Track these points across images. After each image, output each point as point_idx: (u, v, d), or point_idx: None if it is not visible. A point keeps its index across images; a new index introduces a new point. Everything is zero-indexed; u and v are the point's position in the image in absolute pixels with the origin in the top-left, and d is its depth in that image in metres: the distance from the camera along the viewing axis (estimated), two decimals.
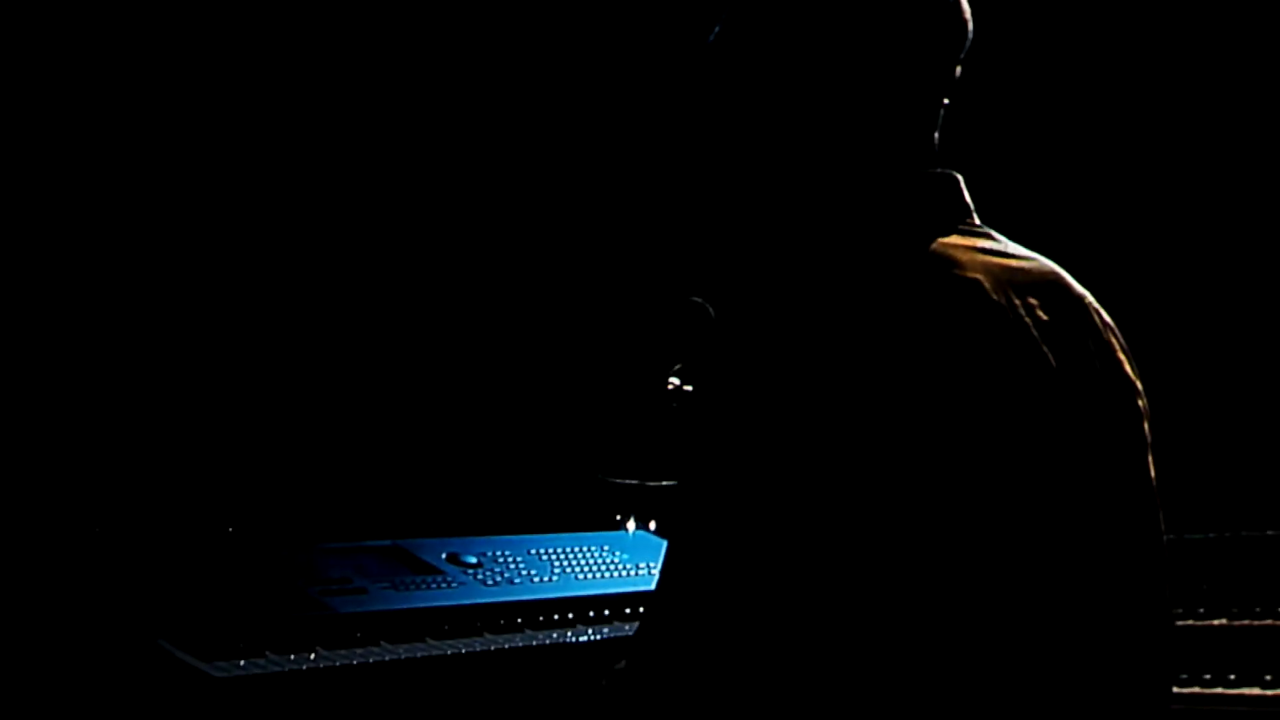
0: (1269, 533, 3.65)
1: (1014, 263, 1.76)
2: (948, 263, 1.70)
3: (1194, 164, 4.25)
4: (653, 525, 3.83)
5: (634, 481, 3.73)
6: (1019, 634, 1.61)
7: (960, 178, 1.83)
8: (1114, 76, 4.34)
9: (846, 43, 1.79)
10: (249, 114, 3.75)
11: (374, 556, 3.18)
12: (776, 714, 1.61)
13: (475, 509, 3.76)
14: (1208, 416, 3.96)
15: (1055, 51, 4.38)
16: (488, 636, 3.01)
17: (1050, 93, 4.40)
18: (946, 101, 1.88)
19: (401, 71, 4.09)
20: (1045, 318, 1.72)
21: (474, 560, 3.29)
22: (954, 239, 1.74)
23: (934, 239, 1.73)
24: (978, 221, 1.82)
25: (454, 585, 3.14)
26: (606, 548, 3.59)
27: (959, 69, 1.87)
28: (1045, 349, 1.69)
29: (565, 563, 3.42)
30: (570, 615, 3.19)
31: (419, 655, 2.82)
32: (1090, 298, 1.83)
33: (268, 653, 2.65)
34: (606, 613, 3.26)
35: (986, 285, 1.69)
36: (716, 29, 1.91)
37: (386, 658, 2.76)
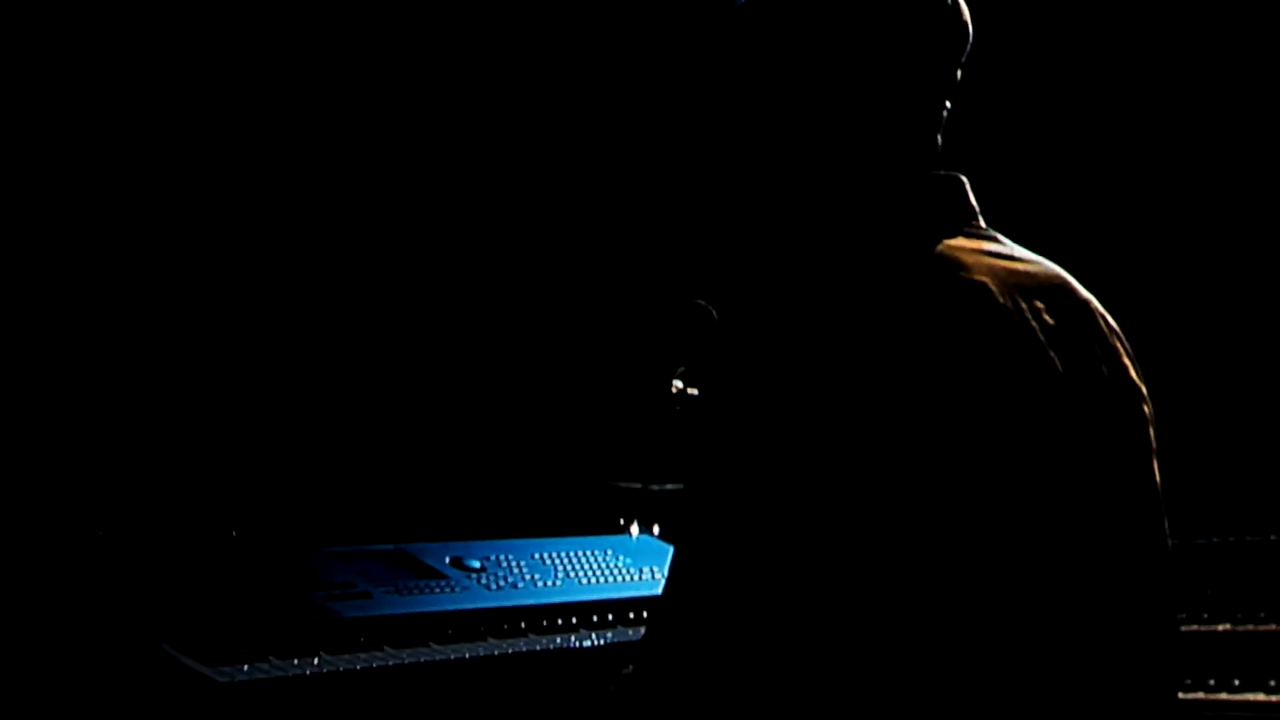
0: (1273, 537, 3.64)
1: (1020, 266, 1.76)
2: (954, 265, 1.70)
3: (1197, 168, 4.25)
4: (656, 529, 3.83)
5: (638, 485, 3.72)
6: (1025, 639, 1.61)
7: (965, 180, 1.83)
8: (1117, 79, 4.34)
9: (849, 47, 1.80)
10: (250, 116, 3.75)
11: (377, 560, 3.17)
12: (785, 718, 1.60)
13: (479, 513, 3.76)
14: (1211, 421, 3.96)
15: (1059, 54, 4.38)
16: (491, 641, 3.01)
17: (1054, 96, 4.39)
18: (949, 105, 1.88)
19: (402, 71, 4.08)
20: (1051, 322, 1.72)
21: (477, 564, 3.29)
22: (959, 241, 1.74)
23: (940, 241, 1.73)
24: (983, 224, 1.82)
25: (457, 590, 3.13)
26: (610, 552, 3.58)
27: (960, 72, 1.88)
28: (1051, 353, 1.69)
29: (569, 567, 3.41)
30: (574, 620, 3.19)
31: (422, 660, 2.82)
32: (1096, 302, 1.83)
33: (271, 657, 2.65)
34: (610, 617, 3.26)
35: (993, 288, 1.69)
36: (720, 32, 1.91)
37: (390, 662, 2.76)
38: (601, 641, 3.12)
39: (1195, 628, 3.55)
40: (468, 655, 2.89)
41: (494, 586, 3.21)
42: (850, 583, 1.59)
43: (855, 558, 1.59)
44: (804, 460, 1.60)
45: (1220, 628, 3.53)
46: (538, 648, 3.02)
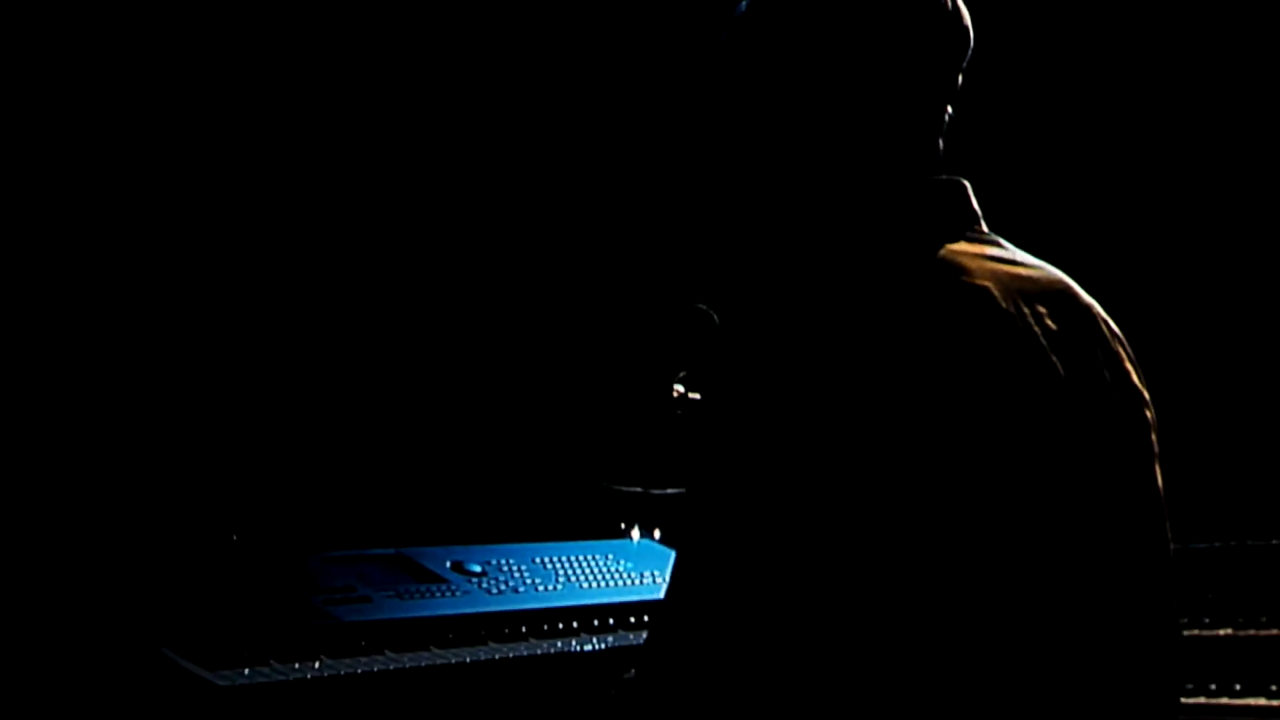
0: (1274, 542, 3.64)
1: (1022, 271, 1.76)
2: (956, 270, 1.70)
3: (1197, 172, 4.25)
4: (657, 534, 3.83)
5: (638, 489, 3.72)
6: (1027, 644, 1.61)
7: (968, 184, 1.83)
8: (1120, 84, 4.34)
9: (850, 54, 1.80)
10: (250, 117, 3.75)
11: (378, 565, 3.18)
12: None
13: (479, 517, 3.76)
14: (1213, 426, 3.96)
15: (1063, 58, 4.38)
16: (492, 645, 3.00)
17: (1057, 101, 4.39)
18: (951, 110, 1.88)
19: (402, 76, 4.09)
20: (1054, 326, 1.72)
21: (478, 569, 3.29)
22: (962, 246, 1.74)
23: (942, 246, 1.73)
24: (986, 229, 1.82)
25: (458, 594, 3.13)
26: (611, 556, 3.58)
27: (961, 77, 1.88)
28: (1053, 358, 1.69)
29: (569, 571, 3.41)
30: (575, 624, 3.19)
31: (423, 664, 2.82)
32: (1098, 307, 1.83)
33: (272, 661, 2.65)
34: (611, 621, 3.25)
35: (995, 293, 1.69)
36: (722, 38, 1.91)
37: (391, 666, 2.76)
38: (602, 646, 3.11)
39: (1197, 632, 3.54)
40: (468, 659, 2.89)
41: (495, 591, 3.21)
42: (853, 588, 1.59)
43: (858, 563, 1.59)
44: (806, 465, 1.59)
45: (1222, 632, 3.53)
46: (539, 652, 3.02)
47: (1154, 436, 1.80)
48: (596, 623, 3.23)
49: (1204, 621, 3.57)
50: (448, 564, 3.27)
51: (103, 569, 2.76)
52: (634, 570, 3.52)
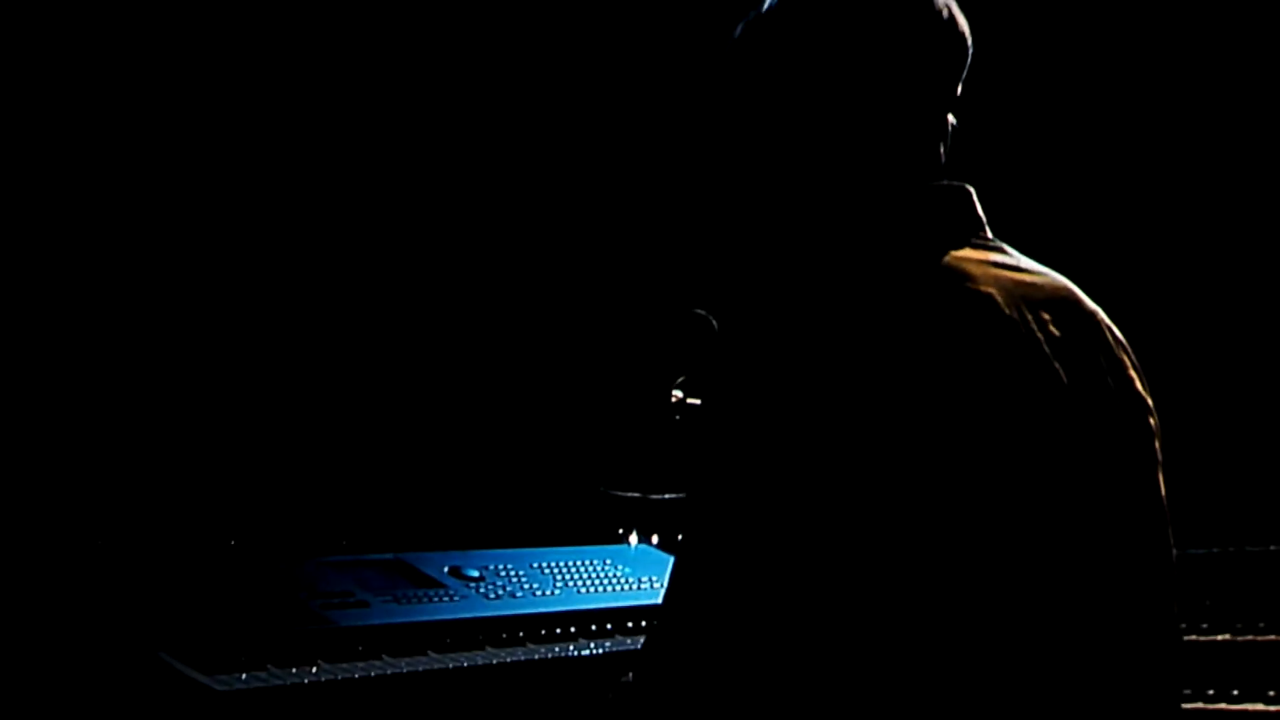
0: (1272, 548, 3.64)
1: (1027, 277, 1.76)
2: (960, 276, 1.70)
3: (1199, 181, 4.25)
4: (655, 539, 3.82)
5: (636, 495, 3.72)
6: (1028, 650, 1.61)
7: (972, 190, 1.84)
8: (1125, 91, 4.34)
9: (851, 63, 1.81)
10: (251, 120, 3.75)
11: (375, 570, 3.17)
12: None
13: (477, 522, 3.76)
14: (1211, 431, 3.96)
15: (1068, 66, 4.38)
16: (489, 650, 3.00)
17: (1061, 107, 4.40)
18: (953, 120, 1.89)
19: (403, 78, 4.09)
20: (1057, 333, 1.72)
21: (476, 574, 3.28)
22: (966, 252, 1.74)
23: (946, 252, 1.73)
24: (990, 235, 1.82)
25: (456, 599, 3.13)
26: (609, 561, 3.58)
27: (960, 86, 1.89)
28: (1057, 365, 1.69)
29: (567, 576, 3.41)
30: (572, 629, 3.18)
31: (421, 669, 2.82)
32: (1102, 314, 1.83)
33: (269, 666, 2.64)
34: (609, 626, 3.25)
35: (999, 300, 1.69)
36: (727, 50, 1.92)
37: (388, 671, 2.75)
38: (600, 651, 3.11)
39: (1195, 638, 3.54)
40: (466, 664, 2.88)
41: (492, 596, 3.20)
42: (854, 593, 1.59)
43: (860, 568, 1.59)
44: (808, 471, 1.59)
45: (1220, 637, 3.53)
46: (536, 657, 3.01)
47: (1157, 444, 1.80)
48: (594, 628, 3.23)
49: (1202, 627, 3.57)
50: (445, 569, 3.27)
51: (100, 573, 2.76)
52: (632, 575, 3.52)
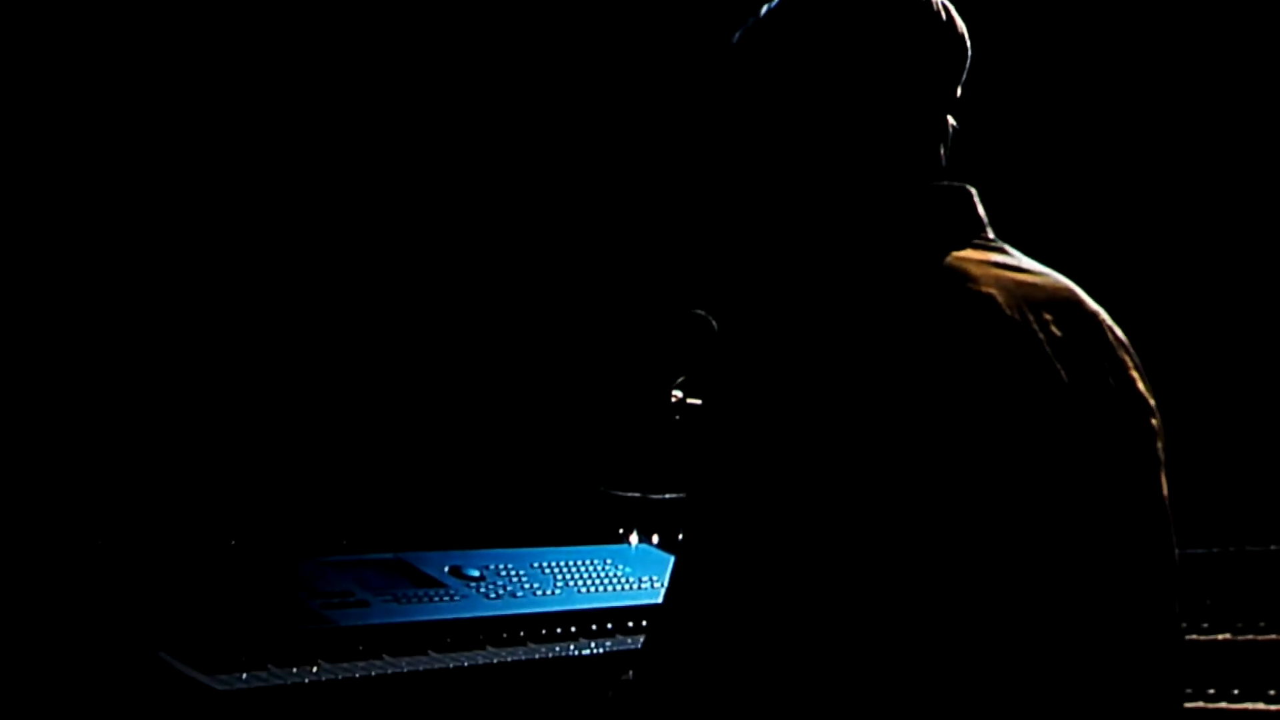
0: (1273, 547, 3.64)
1: (1028, 278, 1.76)
2: (961, 277, 1.69)
3: (1198, 180, 4.25)
4: (655, 538, 3.82)
5: (637, 494, 3.72)
6: (1030, 651, 1.61)
7: (974, 191, 1.84)
8: (1126, 90, 4.34)
9: (850, 65, 1.82)
10: (251, 120, 3.75)
11: (376, 569, 3.17)
12: None
13: (477, 522, 3.76)
14: (1211, 431, 3.96)
15: (1068, 65, 4.38)
16: (490, 650, 3.00)
17: (1063, 107, 4.40)
18: (954, 122, 1.89)
19: (403, 78, 4.09)
20: (1059, 334, 1.72)
21: (476, 573, 3.28)
22: (968, 253, 1.74)
23: (948, 252, 1.73)
24: (992, 235, 1.82)
25: (456, 598, 3.13)
26: (609, 561, 3.58)
27: (960, 89, 1.89)
28: (1058, 365, 1.69)
29: (567, 576, 3.41)
30: (573, 628, 3.18)
31: (421, 668, 2.82)
32: (1105, 314, 1.83)
33: (269, 666, 2.64)
34: (609, 626, 3.25)
35: (1000, 300, 1.69)
36: (728, 53, 1.93)
37: (388, 671, 2.75)
38: (600, 650, 3.11)
39: (1195, 637, 3.54)
40: (466, 664, 2.88)
41: (493, 595, 3.20)
42: (855, 594, 1.59)
43: (860, 569, 1.59)
44: (809, 471, 1.59)
45: (1220, 637, 3.53)
46: (536, 656, 3.01)
47: (1159, 445, 1.80)
48: (594, 627, 3.23)
49: (1203, 626, 3.57)
50: (446, 568, 3.27)
51: (101, 573, 2.76)
52: (632, 575, 3.52)
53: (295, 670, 2.65)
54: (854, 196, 1.80)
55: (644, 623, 3.26)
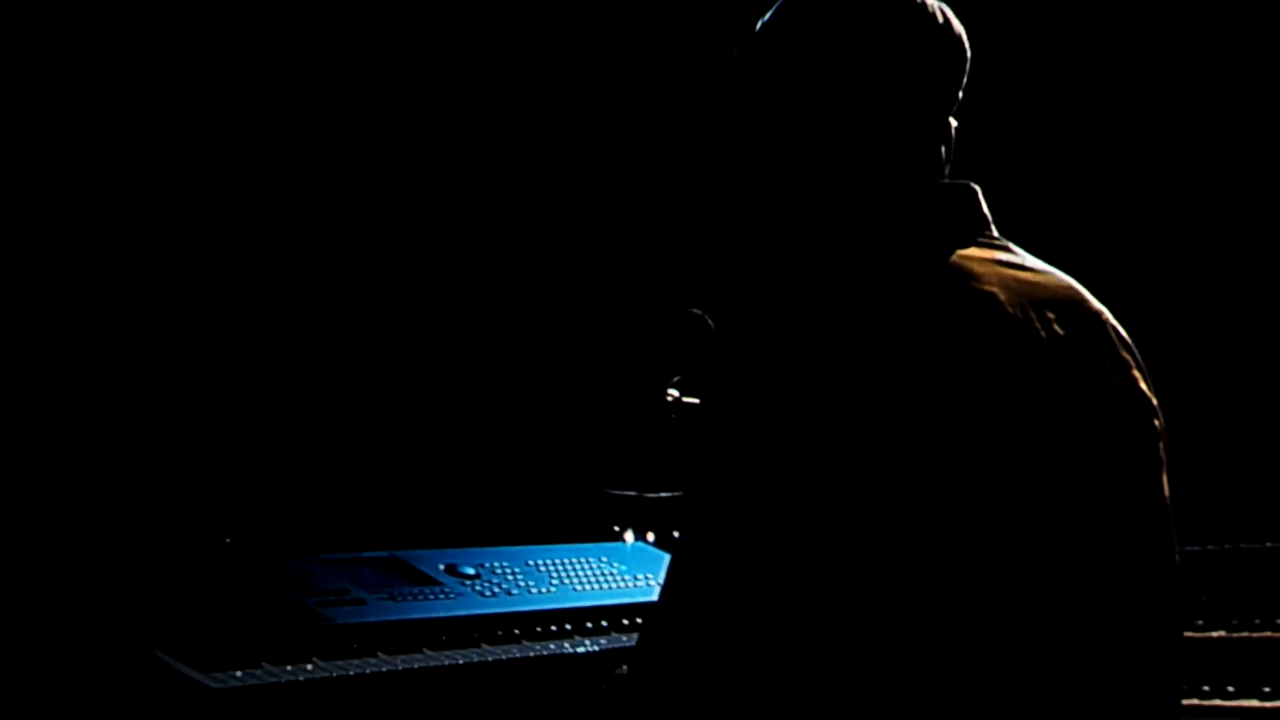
0: (1268, 545, 3.64)
1: (1032, 276, 1.76)
2: (964, 275, 1.69)
3: (1199, 180, 4.25)
4: (651, 537, 3.82)
5: (632, 493, 3.72)
6: (1028, 650, 1.60)
7: (978, 189, 1.84)
8: (1130, 89, 4.34)
9: (850, 70, 1.83)
10: (247, 116, 3.75)
11: (371, 567, 3.17)
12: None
13: (473, 520, 3.75)
14: (1206, 429, 3.96)
15: (1073, 64, 4.38)
16: (485, 648, 3.00)
17: (1067, 106, 4.40)
18: (955, 123, 1.89)
19: (402, 76, 4.09)
20: (1061, 333, 1.71)
21: (472, 571, 3.28)
22: (972, 251, 1.74)
23: (952, 250, 1.73)
24: (996, 233, 1.82)
25: (451, 596, 3.13)
26: (604, 559, 3.58)
27: (960, 91, 1.90)
28: (1060, 364, 1.68)
29: (563, 574, 3.41)
30: (568, 626, 3.18)
31: (416, 666, 2.82)
32: (1108, 314, 1.83)
33: (265, 664, 2.64)
34: (604, 624, 3.25)
35: (1003, 299, 1.68)
36: (735, 52, 1.94)
37: (384, 669, 2.75)
38: (596, 648, 3.11)
39: (1190, 634, 3.55)
40: (461, 661, 2.88)
41: (488, 593, 3.20)
42: (853, 593, 1.59)
43: (858, 568, 1.59)
44: (807, 469, 1.59)
45: (1215, 634, 3.53)
46: (531, 654, 3.01)
47: (1162, 445, 1.80)
48: (590, 625, 3.23)
49: (1198, 624, 3.57)
50: (441, 566, 3.27)
51: (95, 570, 2.76)
52: (628, 573, 3.52)
53: (290, 668, 2.65)
54: (856, 197, 1.81)
55: (639, 621, 3.26)
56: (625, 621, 3.28)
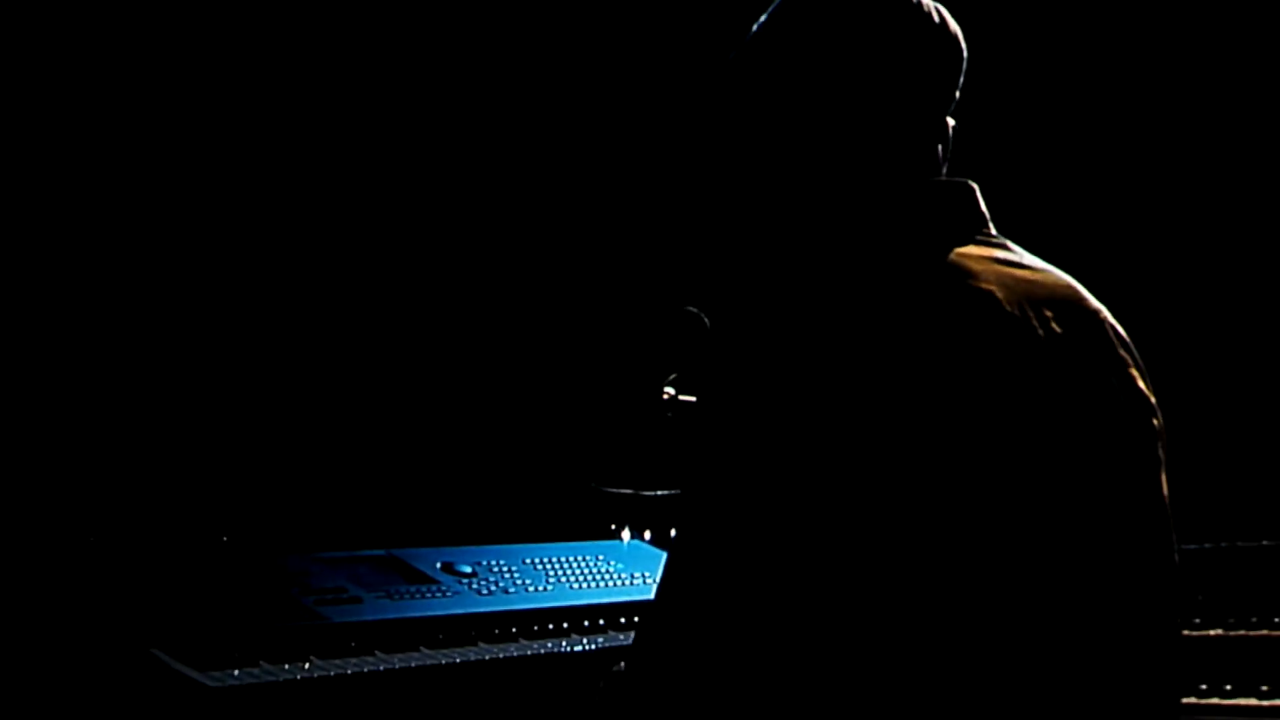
0: (1265, 543, 3.64)
1: (1029, 274, 1.76)
2: (962, 273, 1.69)
3: (1198, 179, 4.25)
4: (647, 535, 3.83)
5: (629, 491, 3.72)
6: (1026, 651, 1.60)
7: (976, 187, 1.83)
8: (1129, 86, 4.34)
9: (847, 71, 1.83)
10: (249, 118, 3.75)
11: (369, 566, 3.17)
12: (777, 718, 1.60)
13: (470, 518, 3.75)
14: (1203, 427, 3.96)
15: (1072, 61, 4.38)
16: (482, 646, 3.00)
17: (1065, 104, 4.40)
18: (953, 123, 1.89)
19: (401, 75, 4.08)
20: (1059, 331, 1.71)
21: (469, 570, 3.28)
22: (970, 249, 1.74)
23: (950, 248, 1.72)
24: (994, 231, 1.82)
25: (448, 595, 3.13)
26: (601, 557, 3.58)
27: (958, 90, 1.90)
28: (1058, 363, 1.68)
29: (560, 572, 3.41)
30: (565, 625, 3.19)
31: (413, 665, 2.82)
32: (1106, 312, 1.82)
33: (262, 662, 2.64)
34: (601, 622, 3.25)
35: (1000, 296, 1.68)
36: (733, 54, 1.94)
37: (381, 667, 2.75)
38: (593, 646, 3.11)
39: (1187, 633, 3.54)
40: (458, 660, 2.89)
41: (485, 591, 3.21)
42: (850, 591, 1.58)
43: (855, 567, 1.58)
44: (804, 467, 1.59)
45: (1212, 633, 3.52)
46: (529, 652, 3.02)
47: (1161, 445, 1.79)
48: (587, 623, 3.23)
49: (1195, 622, 3.57)
50: (438, 565, 3.27)
51: (93, 569, 2.76)
52: (624, 571, 3.52)
53: (288, 666, 2.66)
54: (853, 195, 1.81)
55: (636, 619, 3.26)
56: (622, 620, 3.28)
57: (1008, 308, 1.68)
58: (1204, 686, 3.39)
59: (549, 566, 3.43)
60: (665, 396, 2.93)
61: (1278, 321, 4.06)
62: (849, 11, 1.84)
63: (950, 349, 1.62)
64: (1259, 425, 3.98)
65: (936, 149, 1.87)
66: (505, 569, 3.34)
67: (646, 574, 3.52)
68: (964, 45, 1.89)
